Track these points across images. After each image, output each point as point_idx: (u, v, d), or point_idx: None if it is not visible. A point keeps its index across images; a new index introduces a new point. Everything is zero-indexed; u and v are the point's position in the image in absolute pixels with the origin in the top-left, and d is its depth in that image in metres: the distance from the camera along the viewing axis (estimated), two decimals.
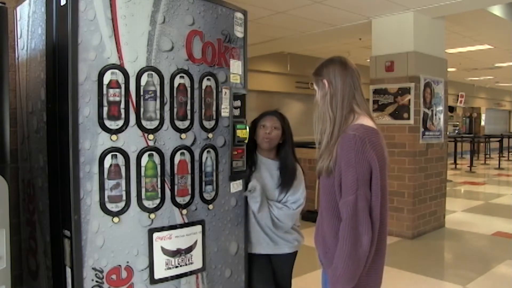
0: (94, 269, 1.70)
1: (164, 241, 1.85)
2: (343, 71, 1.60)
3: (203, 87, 1.96)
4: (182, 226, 1.91)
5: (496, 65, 10.58)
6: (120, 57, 1.73)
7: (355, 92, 1.61)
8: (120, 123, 1.74)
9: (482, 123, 17.96)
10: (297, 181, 2.22)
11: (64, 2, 1.67)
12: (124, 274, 1.76)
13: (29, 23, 1.98)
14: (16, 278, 2.04)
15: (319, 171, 1.61)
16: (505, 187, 9.45)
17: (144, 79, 1.78)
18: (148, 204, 1.81)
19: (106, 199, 1.72)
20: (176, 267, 1.89)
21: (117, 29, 1.71)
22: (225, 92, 2.07)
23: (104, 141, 1.71)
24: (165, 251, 1.85)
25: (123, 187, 1.75)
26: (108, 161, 1.71)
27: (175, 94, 1.87)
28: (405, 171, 5.01)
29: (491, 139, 15.21)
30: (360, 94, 1.62)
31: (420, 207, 5.11)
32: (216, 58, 2.01)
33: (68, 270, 1.71)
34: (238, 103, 2.16)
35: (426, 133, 5.12)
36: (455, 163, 12.64)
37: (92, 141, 1.69)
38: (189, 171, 1.93)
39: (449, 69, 7.01)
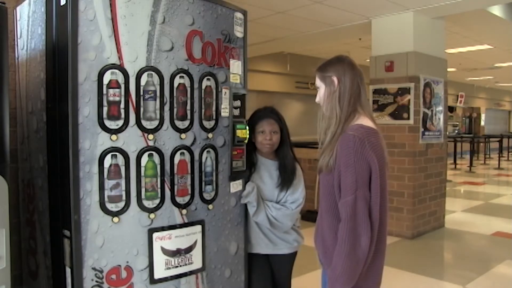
0: (94, 269, 1.70)
1: (164, 241, 1.85)
2: (352, 71, 1.62)
3: (203, 87, 1.96)
4: (182, 226, 1.91)
5: (496, 65, 10.58)
6: (120, 57, 1.73)
7: (360, 93, 1.62)
8: (120, 123, 1.74)
9: (482, 123, 17.96)
10: (297, 180, 2.22)
11: (64, 2, 1.67)
12: (124, 274, 1.76)
13: (29, 23, 1.98)
14: (16, 278, 2.04)
15: (320, 168, 1.62)
16: (505, 187, 9.45)
17: (144, 79, 1.78)
18: (148, 204, 1.81)
19: (106, 199, 1.72)
20: (176, 267, 1.89)
21: (117, 29, 1.71)
22: (225, 92, 2.07)
23: (104, 141, 1.71)
24: (165, 251, 1.85)
25: (123, 187, 1.75)
26: (108, 161, 1.71)
27: (175, 94, 1.87)
28: (404, 171, 5.01)
29: (491, 139, 15.21)
30: (364, 95, 1.64)
31: (420, 207, 5.11)
32: (216, 58, 2.01)
33: (68, 270, 1.71)
34: (238, 103, 2.16)
35: (426, 133, 5.12)
36: (455, 163, 12.64)
37: (92, 141, 1.69)
38: (189, 171, 1.93)
39: (449, 69, 7.01)
